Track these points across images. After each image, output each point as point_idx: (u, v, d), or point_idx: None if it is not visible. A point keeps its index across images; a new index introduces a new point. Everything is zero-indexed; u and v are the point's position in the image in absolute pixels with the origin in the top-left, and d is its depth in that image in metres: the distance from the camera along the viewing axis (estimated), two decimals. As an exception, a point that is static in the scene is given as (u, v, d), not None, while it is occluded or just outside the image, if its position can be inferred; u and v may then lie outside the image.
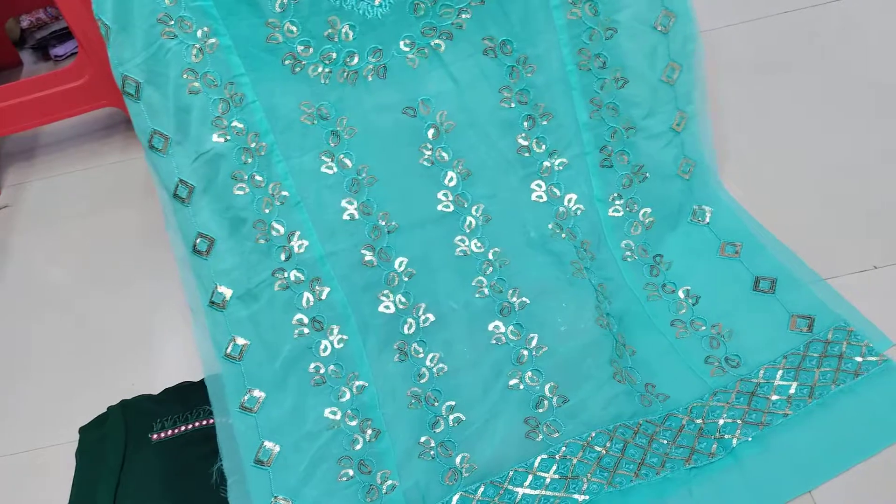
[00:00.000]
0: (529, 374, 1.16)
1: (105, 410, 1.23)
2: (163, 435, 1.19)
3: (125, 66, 1.19)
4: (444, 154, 1.30)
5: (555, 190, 1.33)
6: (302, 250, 1.26)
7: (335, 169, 1.28)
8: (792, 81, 1.58)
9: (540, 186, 1.33)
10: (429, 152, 1.29)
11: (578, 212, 1.32)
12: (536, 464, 1.06)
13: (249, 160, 1.24)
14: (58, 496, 1.15)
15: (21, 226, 1.65)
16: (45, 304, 1.48)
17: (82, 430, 1.22)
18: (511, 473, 1.06)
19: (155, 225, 1.54)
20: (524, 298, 1.24)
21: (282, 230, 1.25)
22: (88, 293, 1.48)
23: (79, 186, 1.71)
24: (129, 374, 1.31)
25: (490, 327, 1.22)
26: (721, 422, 1.07)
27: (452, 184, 1.30)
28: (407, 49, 1.27)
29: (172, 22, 1.18)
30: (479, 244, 1.29)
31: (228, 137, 1.23)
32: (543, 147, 1.32)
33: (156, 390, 1.25)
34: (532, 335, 1.20)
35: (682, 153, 1.32)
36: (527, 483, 1.04)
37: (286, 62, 1.24)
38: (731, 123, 1.46)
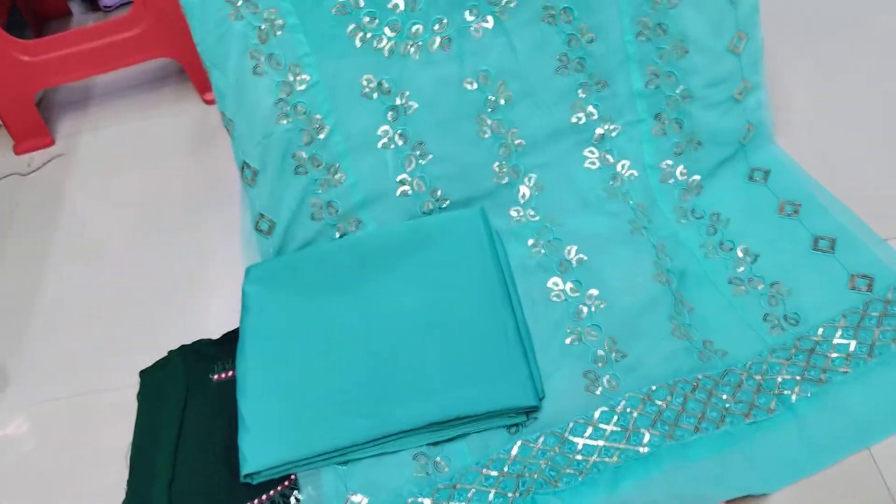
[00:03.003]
0: (588, 329, 1.17)
1: (166, 354, 1.26)
2: (223, 376, 1.21)
3: (201, 45, 1.22)
4: (500, 125, 1.30)
5: (608, 157, 1.33)
6: (356, 229, 1.31)
7: (392, 145, 1.30)
8: (851, 36, 1.56)
9: (593, 153, 1.33)
10: (486, 124, 1.30)
11: (632, 177, 1.33)
12: (596, 416, 1.07)
13: (311, 142, 1.27)
14: (117, 437, 1.18)
15: (74, 175, 1.67)
16: (101, 251, 1.51)
17: (143, 374, 1.24)
18: (571, 425, 1.07)
19: (207, 175, 1.57)
20: (582, 255, 1.25)
21: (337, 211, 1.30)
22: (143, 242, 1.50)
23: (132, 137, 1.72)
24: (186, 320, 1.33)
25: (549, 284, 1.23)
26: (780, 378, 1.08)
27: (506, 155, 1.31)
28: (472, 18, 1.26)
29: (240, 3, 1.19)
30: (533, 213, 1.31)
31: (291, 120, 1.25)
32: (597, 114, 1.32)
33: (216, 335, 1.27)
34: (591, 291, 1.21)
35: (745, 120, 1.31)
36: (587, 434, 1.06)
37: (351, 33, 1.24)
38: (790, 82, 1.45)
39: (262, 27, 1.22)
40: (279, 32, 1.22)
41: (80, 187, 1.64)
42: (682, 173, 1.33)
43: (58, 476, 1.18)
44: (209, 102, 1.72)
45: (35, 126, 1.72)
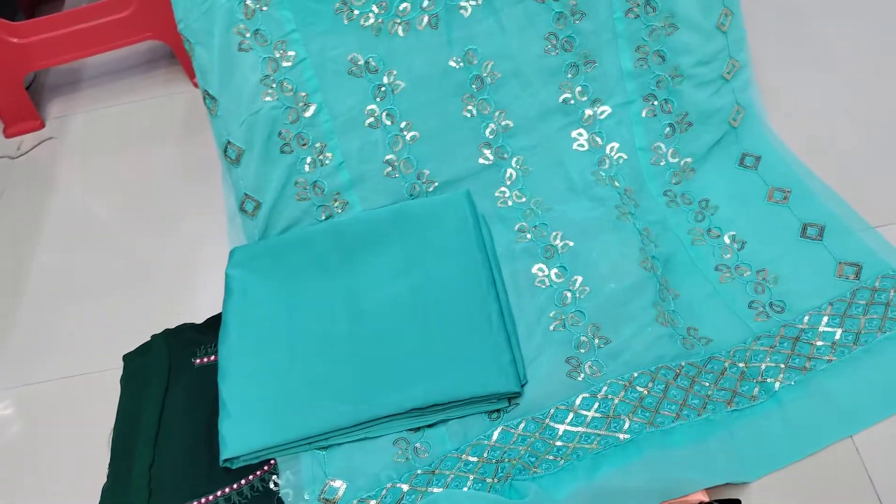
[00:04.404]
0: (572, 315, 1.16)
1: (149, 339, 1.25)
2: (205, 360, 1.21)
3: (183, 23, 1.22)
4: (486, 105, 1.29)
5: (597, 139, 1.32)
6: (342, 211, 1.30)
7: (379, 125, 1.28)
8: (844, 22, 1.55)
9: (581, 135, 1.32)
10: (472, 104, 1.29)
11: (621, 160, 1.32)
12: (578, 402, 1.07)
13: (296, 120, 1.26)
14: (101, 420, 1.18)
15: (64, 158, 1.67)
16: (88, 235, 1.50)
17: (127, 358, 1.24)
18: (552, 411, 1.07)
19: (196, 159, 1.56)
20: (568, 241, 1.24)
21: (323, 191, 1.29)
22: (131, 226, 1.49)
23: (122, 120, 1.72)
24: (172, 304, 1.32)
25: (534, 270, 1.22)
26: (763, 366, 1.07)
27: (493, 136, 1.30)
28: None
29: None
30: (519, 195, 1.30)
31: (277, 97, 1.24)
32: (586, 96, 1.31)
33: (199, 320, 1.27)
34: (576, 277, 1.20)
35: (734, 100, 1.30)
36: (568, 420, 1.05)
37: (338, 10, 1.24)
38: (781, 67, 1.43)
39: (248, 3, 1.21)
40: (265, 8, 1.21)
41: (69, 170, 1.63)
42: (673, 155, 1.32)
43: (41, 458, 1.18)
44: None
45: (25, 109, 1.71)
